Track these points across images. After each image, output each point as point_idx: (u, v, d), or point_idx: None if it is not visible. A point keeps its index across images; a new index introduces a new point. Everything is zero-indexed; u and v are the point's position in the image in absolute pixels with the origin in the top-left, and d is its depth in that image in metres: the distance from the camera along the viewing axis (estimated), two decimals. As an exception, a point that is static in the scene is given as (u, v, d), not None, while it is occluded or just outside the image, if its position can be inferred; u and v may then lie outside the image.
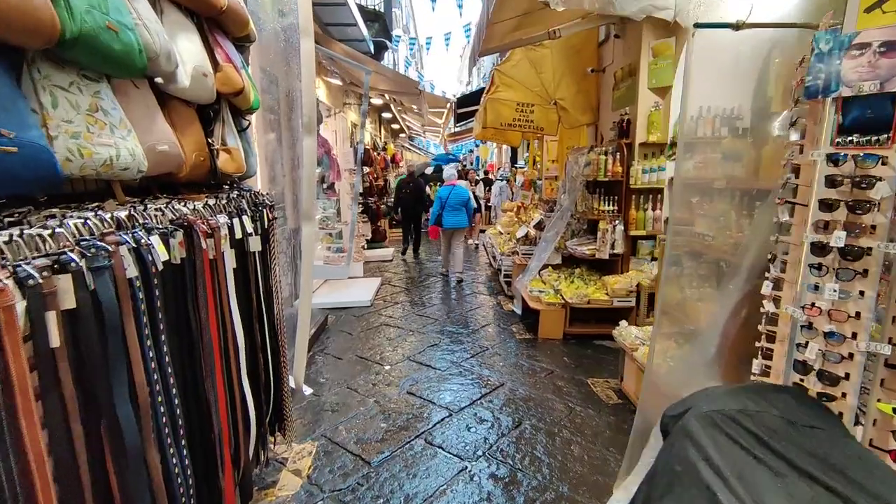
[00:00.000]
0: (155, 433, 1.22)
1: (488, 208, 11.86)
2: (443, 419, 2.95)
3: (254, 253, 1.97)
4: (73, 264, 0.97)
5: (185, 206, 1.54)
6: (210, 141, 1.82)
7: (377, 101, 9.18)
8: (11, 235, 0.91)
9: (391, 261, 8.37)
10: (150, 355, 1.21)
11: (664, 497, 1.14)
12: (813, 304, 1.56)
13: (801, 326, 1.60)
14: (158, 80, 1.51)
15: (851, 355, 1.46)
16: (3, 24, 0.89)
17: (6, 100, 0.93)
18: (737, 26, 1.74)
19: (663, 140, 4.16)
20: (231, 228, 1.74)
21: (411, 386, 3.43)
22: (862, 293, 1.43)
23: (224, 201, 1.82)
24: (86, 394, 1.00)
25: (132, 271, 1.15)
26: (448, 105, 10.38)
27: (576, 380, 3.49)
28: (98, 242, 1.05)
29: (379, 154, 10.34)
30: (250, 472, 1.98)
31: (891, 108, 1.37)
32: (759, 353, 1.83)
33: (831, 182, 1.50)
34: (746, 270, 1.98)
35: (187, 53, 1.59)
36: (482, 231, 9.74)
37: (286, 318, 2.47)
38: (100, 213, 1.16)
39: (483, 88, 9.00)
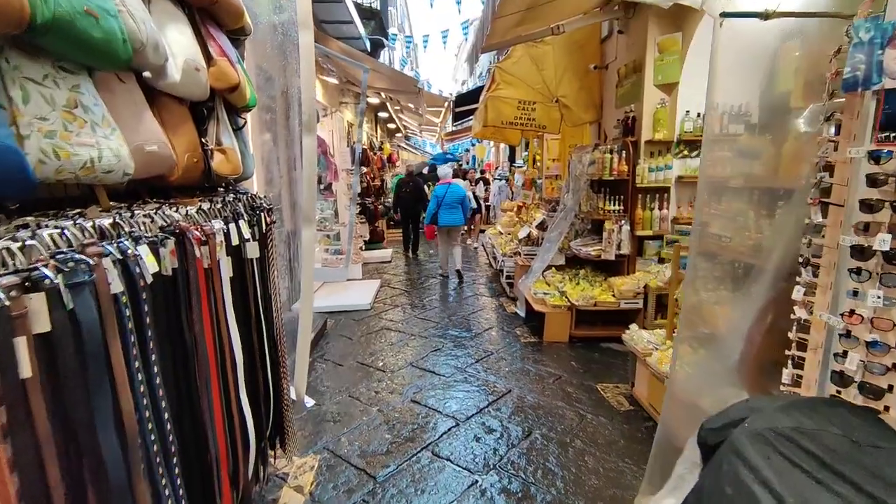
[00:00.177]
0: (145, 463, 1.10)
1: (487, 208, 11.76)
2: (449, 429, 2.84)
3: (251, 260, 1.85)
4: (47, 281, 0.85)
5: (176, 211, 1.42)
6: (204, 141, 1.70)
7: (373, 101, 9.05)
8: (-26, 250, 0.79)
9: (390, 262, 8.25)
10: (139, 378, 1.09)
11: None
12: (852, 312, 1.47)
13: (839, 335, 1.50)
14: (146, 74, 1.39)
15: (897, 366, 1.36)
16: (-39, 6, 0.77)
17: (-33, 94, 0.81)
18: (766, 15, 1.64)
19: (669, 138, 4.07)
20: (227, 234, 1.62)
21: (415, 393, 3.32)
22: (910, 300, 1.33)
23: (219, 205, 1.70)
24: (64, 429, 0.88)
25: (117, 286, 1.02)
26: (446, 104, 10.26)
27: (585, 385, 3.38)
28: (77, 255, 0.93)
29: (376, 154, 10.21)
30: (250, 493, 1.87)
31: (941, 100, 1.27)
32: (790, 361, 1.73)
33: (872, 181, 1.40)
34: (771, 273, 1.88)
35: (177, 46, 1.47)
36: (481, 231, 9.62)
37: (284, 323, 2.35)
38: (80, 221, 1.04)
39: (480, 87, 8.90)
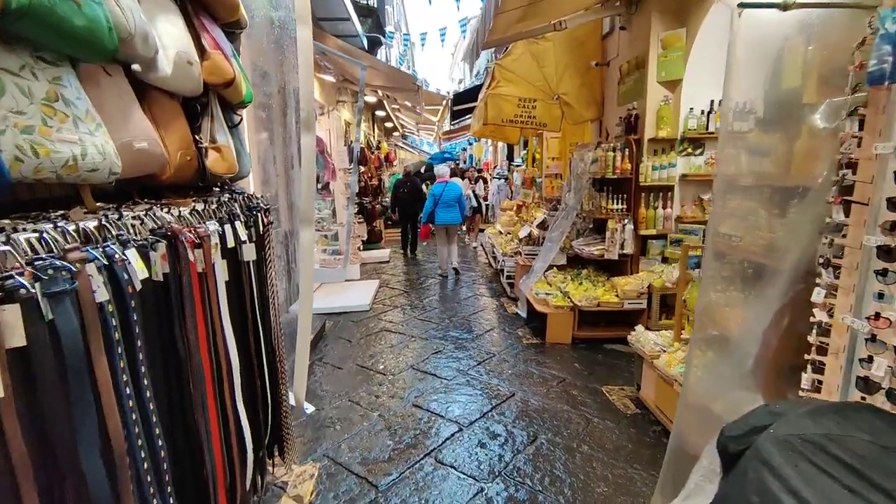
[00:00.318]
0: (134, 484, 1.03)
1: (486, 207, 11.68)
2: (452, 434, 2.77)
3: (248, 262, 1.77)
4: (22, 291, 0.78)
5: (168, 212, 1.34)
6: (197, 138, 1.62)
7: (370, 99, 8.96)
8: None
9: (388, 262, 8.17)
10: (128, 393, 1.01)
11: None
12: (878, 315, 1.40)
13: (865, 339, 1.44)
14: (136, 67, 1.31)
15: (930, 373, 1.29)
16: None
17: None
18: (785, 6, 1.57)
19: (673, 135, 4.02)
20: (222, 236, 1.53)
21: (416, 397, 3.24)
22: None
23: (214, 206, 1.62)
24: (42, 453, 0.81)
25: (102, 294, 0.95)
26: (444, 102, 10.18)
27: (590, 388, 3.32)
28: (57, 261, 0.86)
29: (373, 153, 10.12)
30: (247, 505, 1.79)
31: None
32: (809, 366, 1.66)
33: (901, 178, 1.34)
34: (787, 274, 1.82)
35: (168, 37, 1.39)
36: (480, 231, 9.55)
37: (281, 325, 2.27)
38: (62, 224, 0.96)
39: (478, 86, 8.82)
